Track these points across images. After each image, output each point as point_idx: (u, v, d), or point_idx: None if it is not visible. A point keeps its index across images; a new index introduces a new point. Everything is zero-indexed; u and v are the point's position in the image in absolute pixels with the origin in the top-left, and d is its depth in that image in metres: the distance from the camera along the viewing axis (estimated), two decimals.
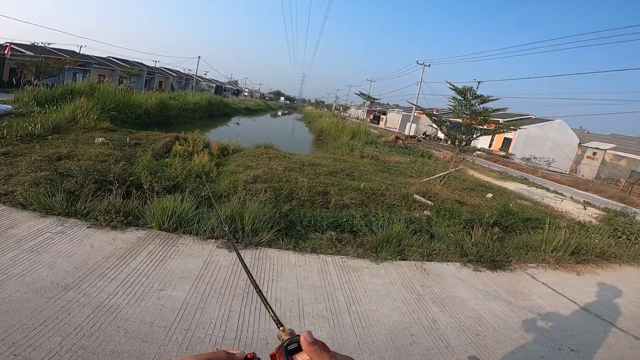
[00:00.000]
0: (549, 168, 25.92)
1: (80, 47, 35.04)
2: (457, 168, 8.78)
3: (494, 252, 4.94)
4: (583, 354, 3.05)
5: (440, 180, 8.45)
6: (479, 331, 3.14)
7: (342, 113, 56.77)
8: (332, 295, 3.30)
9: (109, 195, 4.39)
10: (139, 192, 4.77)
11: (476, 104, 7.92)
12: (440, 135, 36.49)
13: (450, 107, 8.58)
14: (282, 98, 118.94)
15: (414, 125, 36.14)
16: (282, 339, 0.64)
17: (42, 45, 18.28)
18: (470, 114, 7.72)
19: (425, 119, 40.14)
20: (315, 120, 33.61)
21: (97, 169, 5.23)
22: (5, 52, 17.27)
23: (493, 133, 8.29)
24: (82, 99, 11.25)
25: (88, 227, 3.86)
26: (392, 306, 3.33)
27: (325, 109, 66.36)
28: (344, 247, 4.43)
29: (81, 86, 13.55)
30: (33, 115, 9.66)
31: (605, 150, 29.44)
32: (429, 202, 6.90)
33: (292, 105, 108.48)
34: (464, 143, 8.20)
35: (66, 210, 4.04)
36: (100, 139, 8.27)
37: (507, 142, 31.38)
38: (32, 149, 6.70)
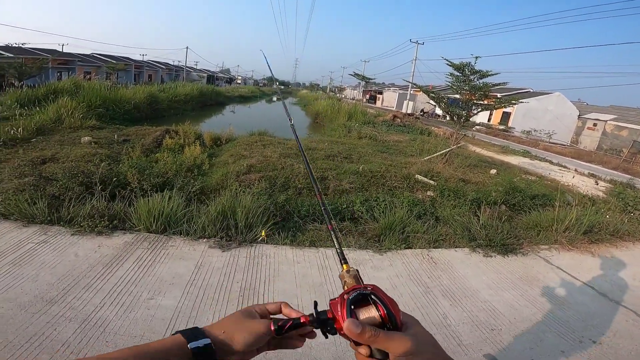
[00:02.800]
0: (550, 140, 25.56)
1: (62, 45, 34.13)
2: (459, 145, 8.47)
3: (504, 235, 4.68)
4: (606, 345, 2.83)
5: (442, 158, 8.16)
6: (494, 325, 2.91)
7: (337, 95, 55.87)
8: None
9: (92, 198, 4.11)
10: (127, 192, 4.52)
11: (475, 79, 7.56)
12: (438, 111, 36.01)
13: (448, 84, 8.22)
14: (277, 83, 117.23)
15: (411, 103, 35.58)
16: (345, 282, 0.58)
17: (17, 45, 17.63)
18: (469, 90, 7.36)
19: (422, 97, 39.46)
20: (311, 103, 33.03)
21: (82, 171, 4.95)
22: None
23: (494, 108, 7.96)
24: (66, 98, 10.83)
25: (72, 234, 3.62)
26: (399, 302, 3.07)
27: (321, 92, 65.31)
28: (345, 237, 4.19)
29: (64, 85, 13.10)
30: (16, 118, 9.32)
31: (606, 121, 29.01)
32: (432, 182, 6.64)
33: (287, 90, 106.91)
34: (463, 119, 7.87)
35: (49, 218, 3.80)
36: (87, 138, 7.95)
37: (506, 116, 30.95)
38: (16, 154, 6.40)
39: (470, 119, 8.09)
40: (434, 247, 4.31)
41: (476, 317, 3.01)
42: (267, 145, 8.33)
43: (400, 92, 44.77)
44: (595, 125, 30.06)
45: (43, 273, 2.97)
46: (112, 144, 7.91)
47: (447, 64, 7.64)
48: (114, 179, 4.56)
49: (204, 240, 3.68)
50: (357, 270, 0.60)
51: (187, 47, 45.58)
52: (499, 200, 6.22)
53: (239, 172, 5.53)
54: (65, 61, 27.38)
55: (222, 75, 75.00)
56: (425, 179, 6.64)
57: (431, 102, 8.84)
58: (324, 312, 0.54)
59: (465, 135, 8.68)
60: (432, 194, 6.31)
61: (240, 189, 4.60)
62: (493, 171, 9.07)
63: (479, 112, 7.88)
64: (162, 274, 3.14)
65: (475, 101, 7.56)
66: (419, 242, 4.30)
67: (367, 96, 55.12)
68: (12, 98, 11.37)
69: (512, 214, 5.97)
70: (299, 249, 3.77)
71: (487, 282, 3.64)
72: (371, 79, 36.89)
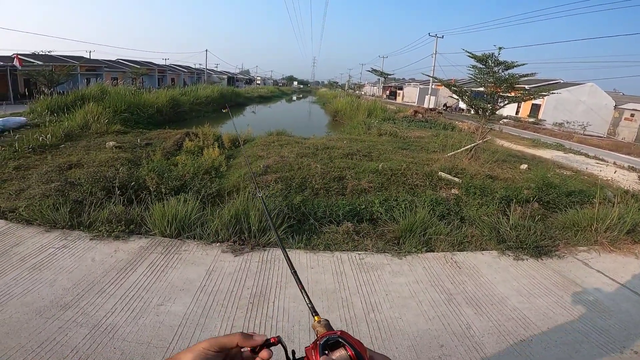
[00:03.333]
0: (585, 132, 24.07)
1: (90, 52, 35.63)
2: (485, 139, 8.04)
3: (537, 236, 4.32)
4: None
5: (467, 154, 7.77)
6: (524, 336, 2.65)
7: (356, 92, 55.29)
8: (348, 301, 2.91)
9: (109, 204, 4.16)
10: (145, 195, 4.56)
11: (500, 71, 7.12)
12: (462, 105, 34.80)
13: (471, 77, 7.82)
14: (295, 83, 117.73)
15: (432, 98, 34.60)
16: (317, 331, 0.64)
17: (44, 53, 18.45)
18: (494, 82, 6.93)
19: (444, 91, 38.27)
20: (330, 101, 32.82)
21: (105, 175, 5.04)
22: (15, 63, 17.55)
23: (522, 100, 7.46)
24: (92, 104, 11.22)
25: (91, 239, 3.67)
26: (418, 311, 2.89)
27: (340, 90, 64.96)
28: (362, 240, 4.00)
29: (91, 91, 13.60)
30: (47, 125, 9.75)
31: None
32: (456, 179, 6.31)
33: (306, 88, 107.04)
34: (488, 112, 7.44)
35: (70, 223, 3.88)
36: (111, 143, 8.17)
37: (535, 108, 29.46)
38: (44, 160, 6.66)
39: (497, 112, 7.63)
40: (458, 250, 4.05)
41: (504, 326, 2.76)
42: (285, 145, 8.25)
43: (421, 87, 43.62)
44: (633, 115, 28.01)
45: (60, 278, 3.02)
46: (135, 148, 8.10)
47: (469, 56, 7.25)
48: (133, 183, 4.59)
49: (217, 244, 3.62)
50: (327, 320, 0.66)
51: (206, 50, 46.61)
52: (532, 198, 5.82)
53: (255, 173, 5.46)
54: (93, 67, 28.57)
55: (241, 76, 76.13)
56: (449, 176, 6.33)
57: (454, 96, 8.45)
58: (301, 358, 0.59)
59: (491, 129, 8.22)
60: (457, 192, 6.00)
61: (255, 191, 4.52)
62: (524, 166, 8.56)
63: (505, 104, 7.43)
64: (174, 280, 3.10)
65: (501, 93, 7.12)
66: (442, 245, 4.05)
67: (387, 92, 54.16)
68: (42, 105, 11.93)
69: (545, 213, 5.56)
70: (313, 253, 3.64)
71: (517, 288, 3.35)
72: (390, 75, 36.14)
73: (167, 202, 3.88)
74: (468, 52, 7.21)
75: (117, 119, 11.48)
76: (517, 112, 30.51)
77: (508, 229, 4.42)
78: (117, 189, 4.35)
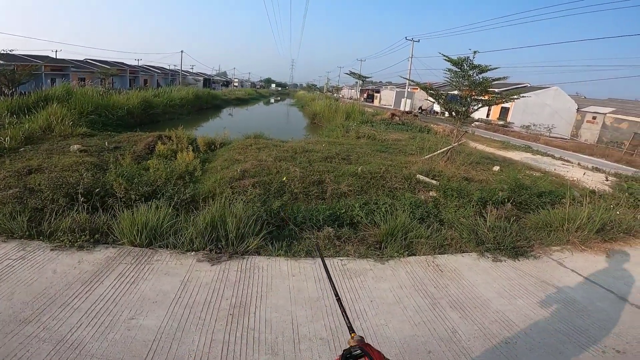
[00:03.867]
0: (550, 135, 25.33)
1: (56, 51, 33.74)
2: (460, 142, 8.21)
3: (514, 237, 4.42)
4: (631, 355, 2.58)
5: (444, 156, 7.91)
6: (509, 339, 2.66)
7: (334, 95, 55.62)
8: (332, 309, 2.82)
9: (72, 211, 3.86)
10: (113, 202, 4.27)
11: (474, 75, 7.30)
12: (437, 108, 35.74)
13: (447, 80, 7.98)
14: (274, 85, 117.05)
15: (408, 101, 35.35)
16: (350, 345, 0.73)
17: (5, 52, 17.25)
18: (469, 85, 7.10)
19: (419, 94, 39.20)
20: (308, 104, 32.80)
21: (67, 181, 4.69)
22: None
23: (494, 103, 7.70)
24: (56, 105, 10.58)
25: (52, 249, 3.39)
26: (403, 316, 2.84)
27: (318, 92, 65.08)
28: (344, 245, 3.93)
29: (56, 91, 12.85)
30: (6, 127, 9.06)
31: (605, 114, 28.75)
32: (434, 182, 6.39)
33: (284, 91, 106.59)
34: (463, 115, 7.61)
35: (28, 233, 3.58)
36: (76, 146, 7.70)
37: (504, 111, 30.72)
38: (2, 165, 6.16)
39: (470, 115, 7.82)
40: (439, 253, 4.05)
41: (488, 330, 2.76)
42: (263, 148, 8.07)
43: (398, 90, 44.53)
44: (594, 118, 29.81)
45: (19, 291, 2.80)
46: (102, 152, 7.67)
47: (445, 60, 7.38)
48: (98, 189, 4.29)
49: (192, 253, 3.43)
50: (361, 337, 0.76)
51: (182, 51, 45.30)
52: (505, 199, 5.97)
53: (232, 177, 5.27)
54: (59, 67, 27.10)
55: (218, 78, 74.72)
56: (427, 179, 6.39)
57: (429, 99, 8.59)
58: None
59: (466, 132, 8.41)
60: (435, 194, 6.06)
61: (233, 196, 4.35)
62: (496, 168, 8.81)
63: (478, 107, 7.63)
64: (145, 292, 2.91)
65: (475, 97, 7.29)
66: (423, 248, 4.05)
67: (365, 95, 54.87)
68: (1, 106, 11.13)
69: (518, 213, 5.71)
70: (295, 260, 3.52)
71: (498, 290, 3.39)
72: (367, 78, 36.62)
73: (137, 209, 3.64)
74: (444, 55, 7.34)
75: (83, 121, 10.90)
76: (487, 115, 31.65)
77: (486, 230, 4.48)
78: (80, 195, 4.05)
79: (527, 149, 15.47)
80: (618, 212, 5.56)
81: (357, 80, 35.84)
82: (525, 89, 29.41)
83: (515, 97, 7.46)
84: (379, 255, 3.80)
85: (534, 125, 27.04)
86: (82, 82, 18.49)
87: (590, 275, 3.87)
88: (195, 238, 3.43)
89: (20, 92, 13.98)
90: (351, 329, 0.78)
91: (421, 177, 6.42)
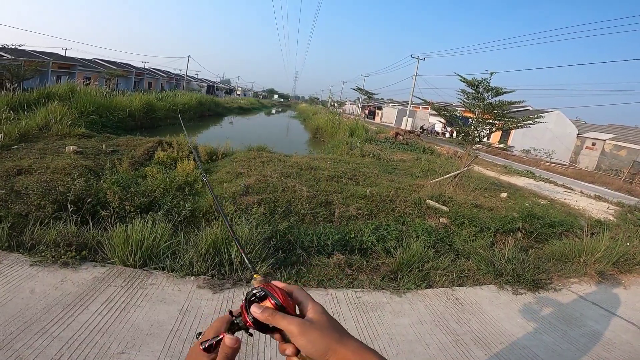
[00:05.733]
0: (551, 160, 25.34)
1: (65, 49, 33.63)
2: (469, 166, 8.00)
3: (532, 269, 4.22)
4: None
5: (452, 181, 7.67)
6: None
7: (337, 109, 55.84)
8: None
9: (59, 222, 3.52)
10: (106, 213, 3.94)
11: (489, 97, 7.14)
12: (437, 128, 35.83)
13: (460, 101, 7.79)
14: (276, 96, 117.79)
15: (410, 120, 35.40)
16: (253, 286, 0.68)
17: (14, 47, 17.07)
18: (484, 108, 6.92)
19: (421, 113, 39.42)
20: (311, 117, 32.72)
21: (57, 186, 4.36)
22: None
23: (510, 128, 7.53)
24: (55, 103, 10.29)
25: (32, 264, 3.03)
26: (426, 355, 2.58)
27: (320, 106, 65.36)
28: (356, 274, 3.62)
29: (58, 89, 12.58)
30: (2, 122, 8.74)
31: (605, 140, 28.86)
32: (444, 208, 6.12)
33: (286, 102, 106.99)
34: (476, 139, 7.42)
35: (7, 244, 3.21)
36: (72, 147, 7.37)
37: (505, 134, 30.74)
38: None
39: (482, 139, 7.63)
40: (457, 285, 3.82)
41: None
42: (267, 162, 7.77)
43: (400, 107, 44.76)
44: (594, 144, 29.90)
45: None
46: (99, 155, 7.35)
47: (460, 80, 7.23)
48: (90, 199, 3.95)
49: (192, 278, 3.09)
50: (262, 277, 0.69)
51: (188, 56, 45.37)
52: (518, 228, 5.75)
53: (235, 193, 4.96)
54: (66, 65, 26.89)
55: (222, 85, 75.02)
56: (437, 205, 6.13)
57: (442, 120, 8.41)
58: (239, 315, 0.64)
59: (477, 156, 8.22)
60: (445, 221, 5.80)
61: (237, 214, 4.04)
62: (503, 194, 8.59)
63: (492, 131, 7.45)
64: (138, 321, 2.56)
65: (491, 120, 7.11)
66: (441, 280, 3.80)
67: (367, 111, 55.16)
68: (2, 101, 10.82)
69: (530, 243, 5.51)
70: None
71: (522, 324, 3.22)
72: (374, 94, 36.75)
73: (131, 223, 3.31)
74: (459, 75, 7.21)
75: (82, 121, 10.59)
76: (488, 138, 31.77)
77: (503, 262, 4.26)
78: (69, 204, 3.72)
79: (530, 174, 15.34)
80: (633, 244, 5.42)
81: (359, 95, 36.02)
82: (527, 112, 29.60)
83: (531, 122, 7.27)
84: (395, 287, 3.52)
85: (534, 149, 27.03)
86: (87, 81, 18.22)
87: (611, 307, 3.82)
88: (196, 262, 3.10)
89: (25, 88, 13.72)
90: (253, 269, 0.71)
91: (431, 203, 6.15)
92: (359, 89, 33.72)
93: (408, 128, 31.25)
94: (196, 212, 4.33)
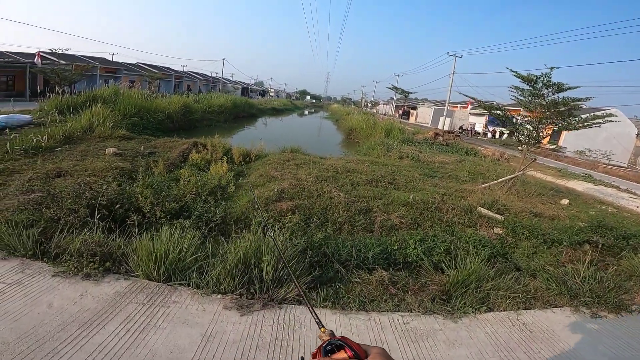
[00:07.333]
0: (610, 162, 22.95)
1: (112, 54, 35.77)
2: (525, 170, 7.16)
3: (613, 288, 3.58)
4: None
5: (504, 185, 6.89)
6: None
7: (370, 109, 54.82)
8: None
9: (86, 229, 3.35)
10: (136, 219, 3.75)
11: (549, 94, 6.29)
12: (478, 128, 33.84)
13: (514, 99, 6.95)
14: (308, 97, 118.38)
15: (448, 119, 33.71)
16: (322, 339, 0.76)
17: (61, 52, 18.14)
18: (547, 106, 6.09)
19: (459, 113, 37.46)
20: (343, 118, 32.21)
21: (90, 189, 4.26)
22: (36, 60, 17.26)
23: (575, 128, 6.61)
24: (99, 106, 10.66)
25: (54, 275, 2.87)
26: None
27: (353, 106, 64.59)
28: (402, 294, 3.14)
29: (103, 92, 13.11)
30: (48, 125, 9.16)
31: None
32: (499, 217, 5.43)
33: (318, 103, 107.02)
34: (535, 140, 6.58)
35: (31, 252, 3.08)
36: (112, 149, 7.49)
37: (555, 134, 28.36)
38: (33, 165, 5.97)
39: (541, 140, 6.77)
40: (523, 309, 3.25)
41: None
42: (301, 165, 7.42)
43: (436, 107, 42.87)
44: None
45: (2, 327, 2.29)
46: (137, 157, 7.40)
47: (515, 76, 6.44)
48: (118, 205, 3.77)
49: (218, 296, 2.76)
50: (331, 330, 0.79)
51: (224, 59, 46.55)
52: (586, 240, 4.96)
53: (267, 198, 4.63)
54: (112, 69, 28.54)
55: (255, 87, 76.52)
56: (491, 213, 5.45)
57: (470, 119, 7.63)
58: None
59: (535, 159, 7.34)
60: (500, 231, 5.13)
61: (270, 221, 3.70)
62: (565, 201, 7.64)
63: (555, 131, 6.58)
64: (157, 346, 2.28)
65: (552, 120, 6.26)
66: (503, 302, 3.22)
67: (400, 111, 53.58)
68: (51, 104, 11.42)
69: (601, 257, 4.70)
70: (344, 315, 2.77)
71: (605, 353, 2.69)
72: (410, 93, 35.48)
73: (158, 234, 3.05)
74: (513, 71, 6.42)
75: (124, 123, 10.90)
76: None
77: (579, 281, 3.61)
78: (98, 209, 3.55)
79: (588, 178, 13.85)
80: None
81: (392, 95, 34.94)
82: (581, 110, 27.13)
83: (601, 121, 6.33)
84: (448, 310, 3.00)
85: (589, 150, 24.65)
86: (132, 84, 19.06)
87: None
88: (224, 278, 2.77)
89: (75, 91, 14.48)
90: (320, 324, 0.77)
91: (483, 211, 5.48)
92: (394, 88, 32.63)
93: (446, 128, 29.78)
94: (227, 218, 4.04)
